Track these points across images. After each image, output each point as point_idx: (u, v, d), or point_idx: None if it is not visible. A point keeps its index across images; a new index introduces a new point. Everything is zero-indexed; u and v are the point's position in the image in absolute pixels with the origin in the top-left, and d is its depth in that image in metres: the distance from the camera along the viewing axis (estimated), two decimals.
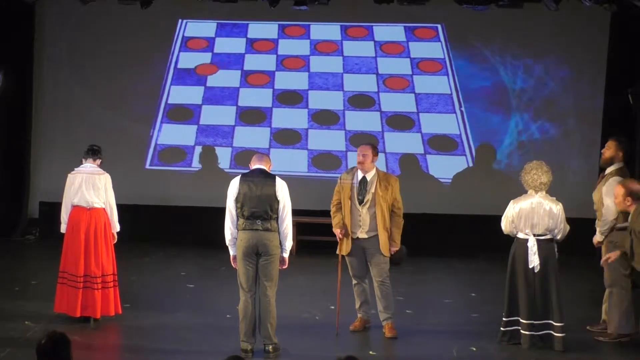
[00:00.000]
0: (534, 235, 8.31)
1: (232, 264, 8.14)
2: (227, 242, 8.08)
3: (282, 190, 7.99)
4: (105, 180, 8.92)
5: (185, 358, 7.99)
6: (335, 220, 8.82)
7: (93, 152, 9.05)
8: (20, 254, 12.76)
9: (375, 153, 8.85)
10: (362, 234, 8.72)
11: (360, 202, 8.70)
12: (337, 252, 8.84)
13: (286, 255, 8.08)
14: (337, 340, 8.53)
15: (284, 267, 8.12)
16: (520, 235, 8.37)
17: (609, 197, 8.57)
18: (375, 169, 8.80)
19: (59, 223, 9.01)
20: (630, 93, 12.19)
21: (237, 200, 7.97)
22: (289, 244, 8.06)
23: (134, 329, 8.81)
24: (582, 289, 10.90)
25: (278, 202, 7.95)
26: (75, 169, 9.01)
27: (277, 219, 7.98)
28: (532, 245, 8.28)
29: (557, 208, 8.35)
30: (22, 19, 13.26)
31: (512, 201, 8.46)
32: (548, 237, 8.35)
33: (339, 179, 8.91)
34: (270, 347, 8.00)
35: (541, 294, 8.32)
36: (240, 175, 8.10)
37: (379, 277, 8.74)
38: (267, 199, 7.93)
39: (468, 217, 13.11)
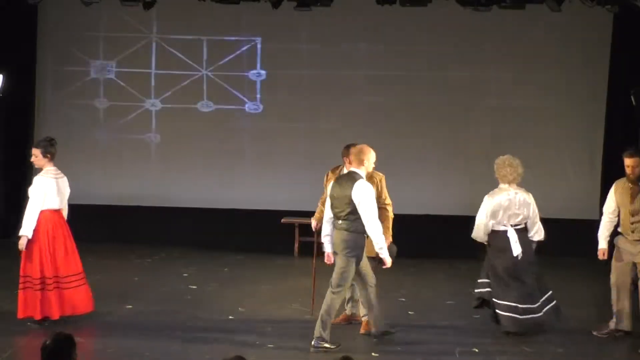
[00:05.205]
0: (512, 225, 8.67)
1: (327, 261, 8.39)
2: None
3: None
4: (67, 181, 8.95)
5: (187, 359, 7.99)
6: (315, 214, 9.07)
7: (54, 152, 8.89)
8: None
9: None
10: None
11: None
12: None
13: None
14: (339, 341, 8.51)
15: None
16: (500, 228, 8.70)
17: None
18: None
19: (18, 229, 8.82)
20: (633, 94, 12.19)
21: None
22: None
23: (136, 329, 8.80)
24: (583, 290, 10.92)
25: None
26: (50, 171, 8.84)
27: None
28: (513, 235, 8.65)
29: (529, 197, 8.75)
30: (25, 20, 13.27)
31: (487, 196, 8.79)
32: (522, 226, 8.72)
33: (325, 176, 9.04)
34: None
35: (522, 279, 8.63)
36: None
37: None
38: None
39: (470, 218, 13.07)
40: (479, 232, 8.85)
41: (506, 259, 8.65)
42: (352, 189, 8.08)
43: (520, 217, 8.68)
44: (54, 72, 13.66)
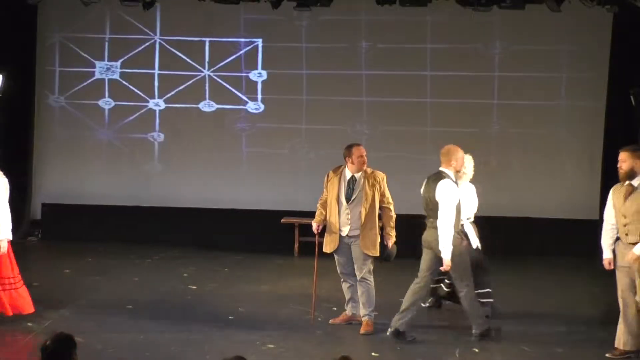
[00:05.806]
0: (467, 218, 8.97)
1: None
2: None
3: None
4: None
5: (187, 359, 7.99)
6: (316, 216, 9.00)
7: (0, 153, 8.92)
8: (22, 256, 12.71)
9: None
10: (349, 232, 8.80)
11: (348, 200, 8.78)
12: (324, 250, 8.95)
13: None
14: (339, 341, 8.53)
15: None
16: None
17: None
18: None
19: None
20: (633, 94, 12.19)
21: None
22: None
23: (136, 329, 8.80)
24: (583, 291, 10.90)
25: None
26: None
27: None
28: (473, 227, 9.07)
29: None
30: (25, 20, 13.27)
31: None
32: (473, 219, 9.16)
33: (325, 177, 9.01)
34: None
35: (483, 267, 9.10)
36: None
37: (359, 274, 8.83)
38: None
39: None
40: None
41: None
42: (435, 188, 8.28)
43: (475, 210, 9.08)
44: (56, 73, 13.66)
